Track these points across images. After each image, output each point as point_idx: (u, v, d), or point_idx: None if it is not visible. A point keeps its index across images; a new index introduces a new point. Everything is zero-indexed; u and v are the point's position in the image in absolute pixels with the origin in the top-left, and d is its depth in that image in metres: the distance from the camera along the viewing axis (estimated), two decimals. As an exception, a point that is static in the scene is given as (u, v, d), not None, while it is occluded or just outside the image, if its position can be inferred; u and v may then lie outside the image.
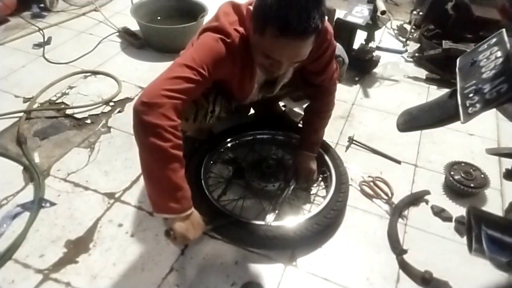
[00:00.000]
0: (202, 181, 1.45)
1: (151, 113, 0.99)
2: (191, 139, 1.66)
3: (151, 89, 1.03)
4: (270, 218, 1.38)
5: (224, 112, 1.48)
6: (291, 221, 1.35)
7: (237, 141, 1.68)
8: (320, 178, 1.60)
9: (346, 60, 1.58)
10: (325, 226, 1.36)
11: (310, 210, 1.48)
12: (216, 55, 1.12)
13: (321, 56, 1.28)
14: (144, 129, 1.01)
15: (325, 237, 1.39)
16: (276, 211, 1.41)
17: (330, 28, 1.25)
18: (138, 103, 1.02)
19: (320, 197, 1.54)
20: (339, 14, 2.13)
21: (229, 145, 1.66)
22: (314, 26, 1.01)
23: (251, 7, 1.10)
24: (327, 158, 1.58)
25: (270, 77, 1.25)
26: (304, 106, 1.98)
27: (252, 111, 1.88)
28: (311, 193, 1.56)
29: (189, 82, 1.06)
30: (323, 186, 1.59)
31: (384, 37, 2.71)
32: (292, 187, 1.50)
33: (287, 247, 1.35)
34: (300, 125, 1.79)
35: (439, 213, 1.50)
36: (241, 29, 1.15)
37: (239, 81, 1.28)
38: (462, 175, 1.57)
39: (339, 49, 1.53)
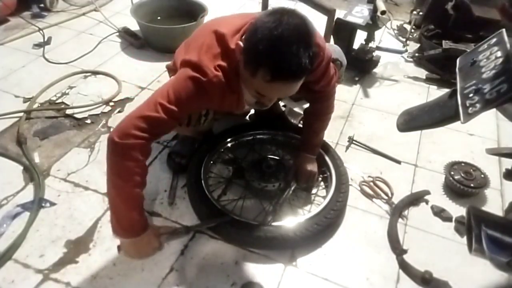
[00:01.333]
0: (202, 181, 1.45)
1: (120, 153, 1.09)
2: (191, 139, 1.66)
3: (123, 127, 1.10)
4: (270, 218, 1.38)
5: (219, 115, 1.48)
6: (291, 221, 1.35)
7: (237, 141, 1.68)
8: (320, 178, 1.60)
9: (344, 62, 1.57)
10: (325, 226, 1.36)
11: (310, 210, 1.49)
12: (190, 93, 1.13)
13: (316, 68, 1.28)
14: (111, 166, 1.11)
15: (325, 237, 1.39)
16: (276, 211, 1.41)
17: (321, 41, 1.24)
18: (110, 139, 1.09)
19: (320, 197, 1.54)
20: (339, 14, 2.13)
21: (229, 145, 1.66)
22: (304, 69, 1.03)
23: (240, 43, 1.10)
24: (327, 158, 1.59)
25: (259, 107, 1.24)
26: (304, 106, 1.98)
27: (252, 111, 1.88)
28: (311, 193, 1.56)
29: (160, 122, 1.11)
30: (323, 186, 1.59)
31: (384, 37, 2.71)
32: (292, 188, 1.50)
33: (287, 247, 1.35)
34: (300, 126, 1.79)
35: (439, 213, 1.50)
36: (223, 64, 1.15)
37: (225, 105, 1.28)
38: (462, 175, 1.57)
39: (337, 52, 1.53)
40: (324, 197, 1.47)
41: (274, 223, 1.36)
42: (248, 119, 1.85)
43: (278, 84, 1.04)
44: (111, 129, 1.80)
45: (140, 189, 1.15)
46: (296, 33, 1.00)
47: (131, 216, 1.15)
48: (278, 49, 0.99)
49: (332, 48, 1.52)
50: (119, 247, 1.24)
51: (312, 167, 1.50)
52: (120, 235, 1.18)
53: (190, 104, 1.15)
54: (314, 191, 1.57)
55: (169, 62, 1.50)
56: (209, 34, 1.20)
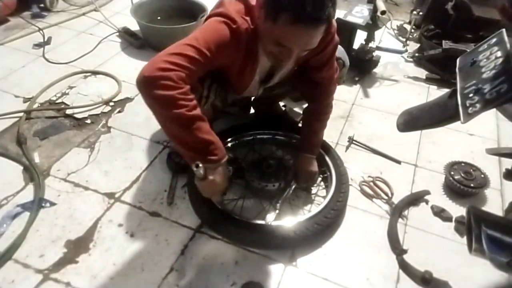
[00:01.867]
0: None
1: (157, 87, 1.01)
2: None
3: (150, 64, 1.04)
4: (270, 217, 1.38)
5: (219, 101, 1.45)
6: (291, 221, 1.35)
7: (237, 141, 1.68)
8: (320, 178, 1.60)
9: (347, 63, 1.57)
10: (325, 226, 1.36)
11: (310, 210, 1.48)
12: (220, 37, 1.12)
13: (324, 49, 1.28)
14: (156, 104, 1.05)
15: (325, 237, 1.39)
16: (277, 211, 1.41)
17: (334, 23, 1.26)
18: (140, 79, 1.04)
19: (320, 197, 1.54)
20: (339, 14, 2.12)
21: (229, 145, 1.66)
22: (327, 15, 1.03)
23: None
24: (327, 158, 1.59)
25: (278, 65, 1.25)
26: (304, 106, 1.98)
27: (252, 110, 1.88)
28: (311, 193, 1.56)
29: (190, 60, 1.06)
30: (323, 186, 1.59)
31: (384, 37, 2.71)
32: (293, 187, 1.50)
33: (287, 247, 1.35)
34: (300, 125, 1.79)
35: (439, 213, 1.50)
36: (247, 18, 1.15)
37: (239, 70, 1.28)
38: (462, 175, 1.57)
39: (340, 51, 1.52)
40: (324, 197, 1.47)
41: (274, 223, 1.36)
42: (248, 115, 1.86)
43: (299, 29, 1.02)
44: (111, 129, 1.80)
45: (196, 111, 1.06)
46: None
47: (210, 139, 1.09)
48: None
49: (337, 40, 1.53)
50: (195, 182, 1.17)
51: (312, 167, 1.50)
52: (213, 162, 1.11)
53: (218, 48, 1.11)
54: (314, 191, 1.57)
55: None
56: None
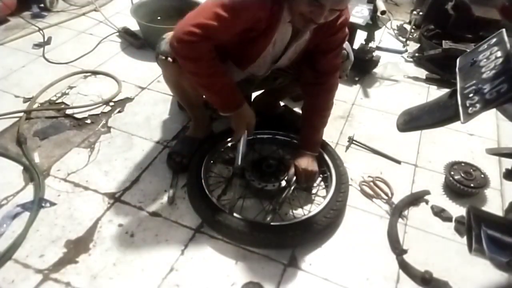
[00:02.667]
0: (202, 181, 1.45)
1: (187, 52, 1.22)
2: (191, 139, 1.66)
3: (179, 33, 1.20)
4: (270, 217, 1.38)
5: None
6: (291, 220, 1.35)
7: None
8: (320, 178, 1.60)
9: (351, 57, 1.56)
10: (325, 226, 1.36)
11: (310, 210, 1.48)
12: (243, 4, 1.18)
13: (336, 32, 1.34)
14: (190, 65, 1.26)
15: (325, 237, 1.39)
16: (276, 211, 1.41)
17: (347, 10, 1.33)
18: (172, 45, 1.24)
19: (320, 197, 1.54)
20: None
21: (229, 145, 1.66)
22: None
23: None
24: (327, 158, 1.58)
25: (304, 29, 1.29)
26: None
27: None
28: (312, 193, 1.56)
29: (212, 28, 1.18)
30: (323, 186, 1.59)
31: (384, 37, 2.71)
32: (293, 187, 1.50)
33: (287, 246, 1.35)
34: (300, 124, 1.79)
35: (439, 213, 1.50)
36: None
37: (259, 33, 1.30)
38: (462, 175, 1.57)
39: (346, 44, 1.53)
40: (324, 197, 1.47)
41: (274, 223, 1.36)
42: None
43: None
44: (111, 129, 1.80)
45: (220, 75, 1.29)
46: None
47: (227, 98, 1.35)
48: None
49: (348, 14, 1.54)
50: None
51: (313, 166, 1.49)
52: (225, 112, 1.38)
53: (242, 13, 1.19)
54: (314, 191, 1.57)
55: None
56: None
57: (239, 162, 1.36)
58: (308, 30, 1.31)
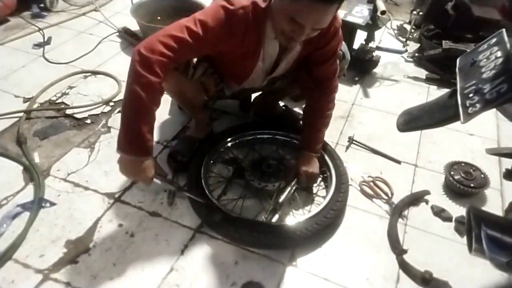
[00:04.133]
0: (202, 181, 1.45)
1: (145, 65, 1.11)
2: (191, 138, 1.66)
3: (151, 41, 1.14)
4: (270, 217, 1.38)
5: (212, 84, 1.50)
6: (291, 221, 1.35)
7: (237, 141, 1.68)
8: (320, 178, 1.60)
9: (348, 56, 1.57)
10: (325, 226, 1.36)
11: (310, 210, 1.48)
12: (216, 20, 1.16)
13: (328, 42, 1.33)
14: (135, 75, 1.13)
15: (325, 237, 1.39)
16: (277, 211, 1.41)
17: (339, 17, 1.31)
18: (136, 50, 1.13)
19: (320, 197, 1.54)
20: (339, 14, 2.13)
21: (229, 144, 1.67)
22: None
23: None
24: (327, 158, 1.59)
25: (287, 45, 1.28)
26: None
27: (251, 112, 1.88)
28: (312, 193, 1.56)
29: (184, 43, 1.14)
30: (323, 186, 1.59)
31: (384, 37, 2.71)
32: (294, 188, 1.50)
33: (287, 247, 1.35)
34: (300, 125, 1.79)
35: (439, 213, 1.50)
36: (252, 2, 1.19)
37: (242, 53, 1.30)
38: (462, 175, 1.57)
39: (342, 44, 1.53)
40: (324, 197, 1.47)
41: (274, 223, 1.36)
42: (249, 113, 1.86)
43: (314, 4, 1.07)
44: (111, 129, 1.80)
45: (156, 107, 1.17)
46: None
47: (140, 130, 1.15)
48: None
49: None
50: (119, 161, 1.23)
51: (314, 167, 1.50)
52: (124, 149, 1.17)
53: (214, 31, 1.17)
54: (314, 190, 1.57)
55: None
56: None
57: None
58: (294, 45, 1.30)
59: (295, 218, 1.38)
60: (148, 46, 1.12)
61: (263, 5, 1.19)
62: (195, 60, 1.41)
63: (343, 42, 1.55)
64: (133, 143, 1.16)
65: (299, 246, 1.35)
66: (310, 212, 1.40)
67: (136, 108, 1.14)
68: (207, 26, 1.16)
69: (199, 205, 1.42)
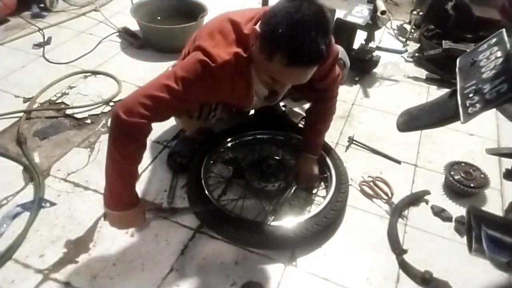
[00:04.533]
0: (202, 181, 1.45)
1: (124, 131, 1.09)
2: (191, 139, 1.66)
3: (129, 103, 1.09)
4: (270, 217, 1.38)
5: (225, 113, 1.53)
6: (291, 221, 1.35)
7: (237, 141, 1.68)
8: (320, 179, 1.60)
9: (348, 63, 1.58)
10: (325, 226, 1.36)
11: (310, 210, 1.48)
12: (197, 77, 1.13)
13: (325, 77, 1.33)
14: (114, 141, 1.11)
15: (325, 237, 1.39)
16: (276, 211, 1.41)
17: (336, 49, 1.29)
18: (115, 114, 1.08)
19: (320, 197, 1.54)
20: (339, 14, 2.13)
21: (229, 145, 1.66)
22: (321, 56, 1.03)
23: (256, 27, 1.09)
24: (327, 158, 1.59)
25: (272, 91, 1.27)
26: (304, 106, 1.98)
27: (252, 111, 1.88)
28: (312, 193, 1.56)
29: (165, 103, 1.11)
30: (323, 186, 1.59)
31: (384, 37, 2.71)
32: (293, 188, 1.50)
33: (287, 247, 1.35)
34: (300, 125, 1.79)
35: (439, 213, 1.50)
36: (238, 50, 1.15)
37: (233, 97, 1.30)
38: (462, 175, 1.57)
39: (340, 51, 1.53)
40: (324, 197, 1.47)
41: (273, 223, 1.36)
42: (249, 116, 1.86)
43: (294, 69, 1.04)
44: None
45: (136, 166, 1.18)
46: (315, 19, 1.00)
47: (123, 192, 1.18)
48: (297, 33, 0.98)
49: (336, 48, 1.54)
50: (105, 215, 1.29)
51: (314, 169, 1.50)
52: (110, 208, 1.19)
53: (196, 89, 1.14)
54: (314, 191, 1.57)
55: (174, 61, 1.51)
56: (224, 21, 1.21)
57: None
58: (282, 91, 1.29)
59: (295, 219, 1.38)
60: (127, 110, 1.08)
61: (245, 54, 1.15)
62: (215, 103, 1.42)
63: (342, 49, 1.55)
64: (119, 202, 1.19)
65: (299, 247, 1.35)
66: (310, 212, 1.40)
67: (117, 172, 1.14)
68: (188, 83, 1.12)
69: (201, 212, 1.42)
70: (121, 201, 1.19)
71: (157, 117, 1.13)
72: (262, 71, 1.13)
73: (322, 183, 1.60)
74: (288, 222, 1.35)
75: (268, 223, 1.37)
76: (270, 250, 1.34)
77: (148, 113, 1.09)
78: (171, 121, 1.85)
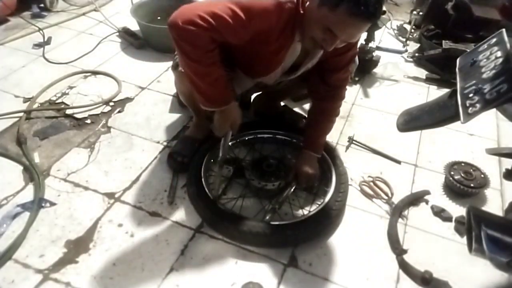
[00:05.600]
0: (203, 180, 1.45)
1: (188, 39, 1.11)
2: (191, 138, 1.66)
3: (188, 13, 1.10)
4: (270, 216, 1.38)
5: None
6: (291, 220, 1.35)
7: (237, 140, 1.69)
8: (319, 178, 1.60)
9: (356, 60, 1.57)
10: (324, 226, 1.36)
11: (310, 210, 1.48)
12: (262, 8, 1.15)
13: (349, 50, 1.33)
14: (184, 52, 1.15)
15: (325, 237, 1.39)
16: (276, 210, 1.41)
17: None
18: (174, 23, 1.10)
19: (320, 197, 1.54)
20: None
21: (229, 144, 1.66)
22: (379, 13, 1.10)
23: None
24: (327, 157, 1.59)
25: (312, 50, 1.30)
26: (304, 106, 1.98)
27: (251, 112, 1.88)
28: (312, 192, 1.56)
29: (224, 22, 1.11)
30: (323, 186, 1.59)
31: (384, 37, 2.71)
32: (293, 187, 1.50)
33: (286, 246, 1.35)
34: (300, 125, 1.79)
35: (439, 213, 1.50)
36: (295, 1, 1.18)
37: (274, 50, 1.29)
38: (462, 175, 1.57)
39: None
40: (324, 197, 1.47)
41: (273, 222, 1.36)
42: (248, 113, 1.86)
43: (356, 20, 1.08)
44: (111, 129, 1.80)
45: (217, 66, 1.20)
46: None
47: (213, 90, 1.24)
48: None
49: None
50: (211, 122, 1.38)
51: (314, 168, 1.50)
52: (207, 106, 1.28)
53: (257, 19, 1.15)
54: (314, 190, 1.57)
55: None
56: None
57: (221, 155, 1.40)
58: (318, 52, 1.30)
59: (294, 218, 1.38)
60: (186, 19, 1.09)
61: (301, 9, 1.18)
62: None
63: None
64: (213, 100, 1.27)
65: (298, 246, 1.35)
66: (310, 212, 1.40)
67: (204, 81, 1.20)
68: (252, 12, 1.13)
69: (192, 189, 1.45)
70: (215, 99, 1.26)
71: (214, 31, 1.11)
72: (317, 26, 1.13)
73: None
74: (288, 221, 1.35)
75: (268, 222, 1.37)
76: (270, 250, 1.34)
77: (205, 24, 1.09)
78: (171, 120, 1.85)
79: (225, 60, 1.28)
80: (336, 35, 1.12)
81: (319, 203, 1.45)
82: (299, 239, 1.33)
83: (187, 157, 1.59)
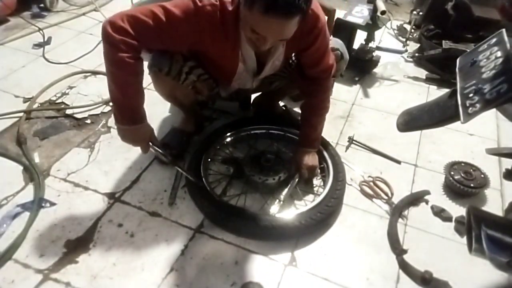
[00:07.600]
0: (203, 178, 1.46)
1: (112, 44, 1.14)
2: (180, 130, 1.67)
3: (116, 20, 1.15)
4: (274, 209, 1.39)
5: (206, 88, 1.51)
6: (292, 213, 1.37)
7: (232, 137, 1.70)
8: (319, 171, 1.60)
9: (346, 56, 1.57)
10: (319, 221, 1.37)
11: (306, 204, 1.49)
12: (182, 12, 1.16)
13: (313, 43, 1.30)
14: (107, 54, 1.18)
15: (325, 237, 1.40)
16: (281, 203, 1.43)
17: (322, 17, 1.28)
18: (104, 28, 1.15)
19: (316, 194, 1.54)
20: (339, 14, 2.13)
21: (225, 142, 1.67)
22: (298, 8, 1.05)
23: None
24: (325, 155, 1.60)
25: (257, 51, 1.29)
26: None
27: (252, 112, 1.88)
28: (313, 186, 1.57)
29: (146, 26, 1.15)
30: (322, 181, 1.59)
31: (384, 37, 2.71)
32: (296, 180, 1.51)
33: (285, 238, 1.37)
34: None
35: (439, 213, 1.50)
36: (228, 0, 1.18)
37: (219, 53, 1.31)
38: (462, 175, 1.57)
39: (339, 43, 1.54)
40: (319, 194, 1.48)
41: (278, 215, 1.38)
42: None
43: (272, 18, 1.04)
44: (111, 129, 1.80)
45: (133, 77, 1.21)
46: None
47: (129, 104, 1.24)
48: None
49: (335, 40, 1.54)
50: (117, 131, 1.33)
51: (313, 160, 1.52)
52: (119, 122, 1.26)
53: (177, 21, 1.16)
54: (315, 182, 1.58)
55: None
56: None
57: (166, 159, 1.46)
58: (266, 51, 1.27)
59: (295, 210, 1.39)
60: (113, 25, 1.14)
61: (230, 8, 1.18)
62: (188, 66, 1.40)
63: (341, 42, 1.55)
64: (125, 115, 1.25)
65: (297, 238, 1.37)
66: (306, 206, 1.41)
67: (115, 83, 1.20)
68: (171, 14, 1.16)
69: (194, 187, 1.46)
70: (127, 114, 1.25)
71: (139, 39, 1.16)
72: (245, 26, 1.14)
73: (321, 181, 1.60)
74: (289, 213, 1.37)
75: (273, 214, 1.38)
76: (270, 248, 1.34)
77: (132, 32, 1.14)
78: (171, 120, 1.85)
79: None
80: (262, 35, 1.11)
81: (319, 195, 1.46)
82: (297, 233, 1.35)
83: (175, 149, 1.60)
